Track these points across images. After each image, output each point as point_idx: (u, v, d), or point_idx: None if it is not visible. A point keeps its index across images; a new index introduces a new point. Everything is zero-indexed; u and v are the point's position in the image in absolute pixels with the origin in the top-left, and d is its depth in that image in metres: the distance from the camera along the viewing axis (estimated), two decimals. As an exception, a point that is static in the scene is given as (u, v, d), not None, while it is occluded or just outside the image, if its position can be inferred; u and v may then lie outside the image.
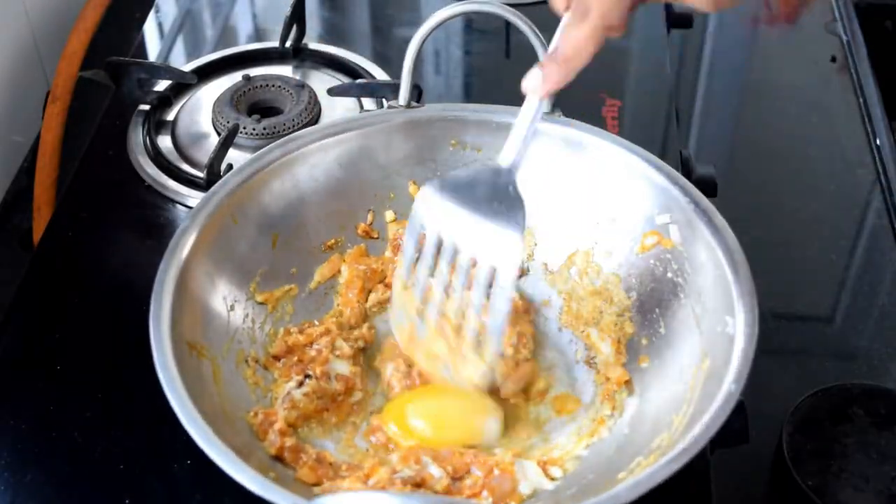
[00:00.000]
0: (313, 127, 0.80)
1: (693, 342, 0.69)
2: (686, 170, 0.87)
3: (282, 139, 0.78)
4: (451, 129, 0.80)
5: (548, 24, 0.72)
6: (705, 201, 0.72)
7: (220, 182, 0.75)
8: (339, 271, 0.79)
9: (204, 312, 0.70)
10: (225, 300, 0.72)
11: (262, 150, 0.77)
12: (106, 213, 0.88)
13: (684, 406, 0.65)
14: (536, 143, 0.70)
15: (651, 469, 0.58)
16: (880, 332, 0.84)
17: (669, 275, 0.73)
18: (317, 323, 0.76)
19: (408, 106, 0.80)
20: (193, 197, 0.87)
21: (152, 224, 0.87)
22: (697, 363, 0.67)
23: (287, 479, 0.64)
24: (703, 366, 0.66)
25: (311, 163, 0.78)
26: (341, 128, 0.80)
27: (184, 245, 0.69)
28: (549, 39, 0.74)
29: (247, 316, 0.73)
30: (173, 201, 0.88)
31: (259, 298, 0.75)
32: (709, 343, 0.67)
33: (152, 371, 0.62)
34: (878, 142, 1.00)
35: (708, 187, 0.82)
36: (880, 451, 0.71)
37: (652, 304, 0.73)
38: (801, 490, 0.68)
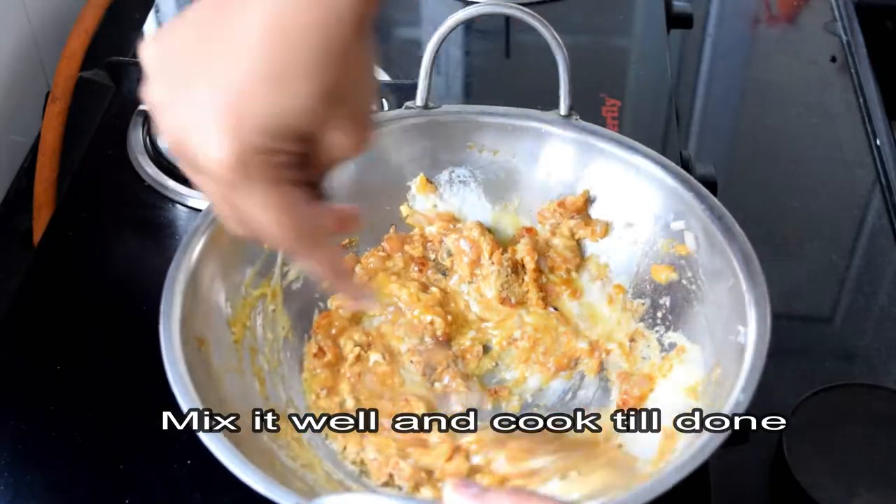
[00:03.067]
0: None
1: (704, 350, 0.68)
2: (686, 170, 0.87)
3: None
4: (469, 131, 0.79)
5: (562, 24, 0.71)
6: (721, 208, 0.71)
7: None
8: (352, 271, 0.79)
9: (214, 311, 0.70)
10: (236, 299, 0.72)
11: None
12: (106, 213, 0.88)
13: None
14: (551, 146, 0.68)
15: (658, 477, 0.57)
16: (880, 332, 0.84)
17: (684, 282, 0.72)
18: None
19: (425, 107, 0.79)
20: (193, 197, 0.87)
21: (152, 224, 0.87)
22: (708, 372, 0.67)
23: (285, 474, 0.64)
24: (713, 375, 0.66)
25: None
26: None
27: (195, 245, 0.69)
28: (565, 39, 0.73)
29: (258, 313, 0.73)
30: (173, 201, 0.88)
31: (270, 296, 0.74)
32: (720, 352, 0.66)
33: (152, 370, 0.62)
34: (878, 142, 1.00)
35: (708, 187, 0.81)
36: (880, 451, 0.71)
37: (664, 311, 0.73)
38: (801, 490, 0.68)
